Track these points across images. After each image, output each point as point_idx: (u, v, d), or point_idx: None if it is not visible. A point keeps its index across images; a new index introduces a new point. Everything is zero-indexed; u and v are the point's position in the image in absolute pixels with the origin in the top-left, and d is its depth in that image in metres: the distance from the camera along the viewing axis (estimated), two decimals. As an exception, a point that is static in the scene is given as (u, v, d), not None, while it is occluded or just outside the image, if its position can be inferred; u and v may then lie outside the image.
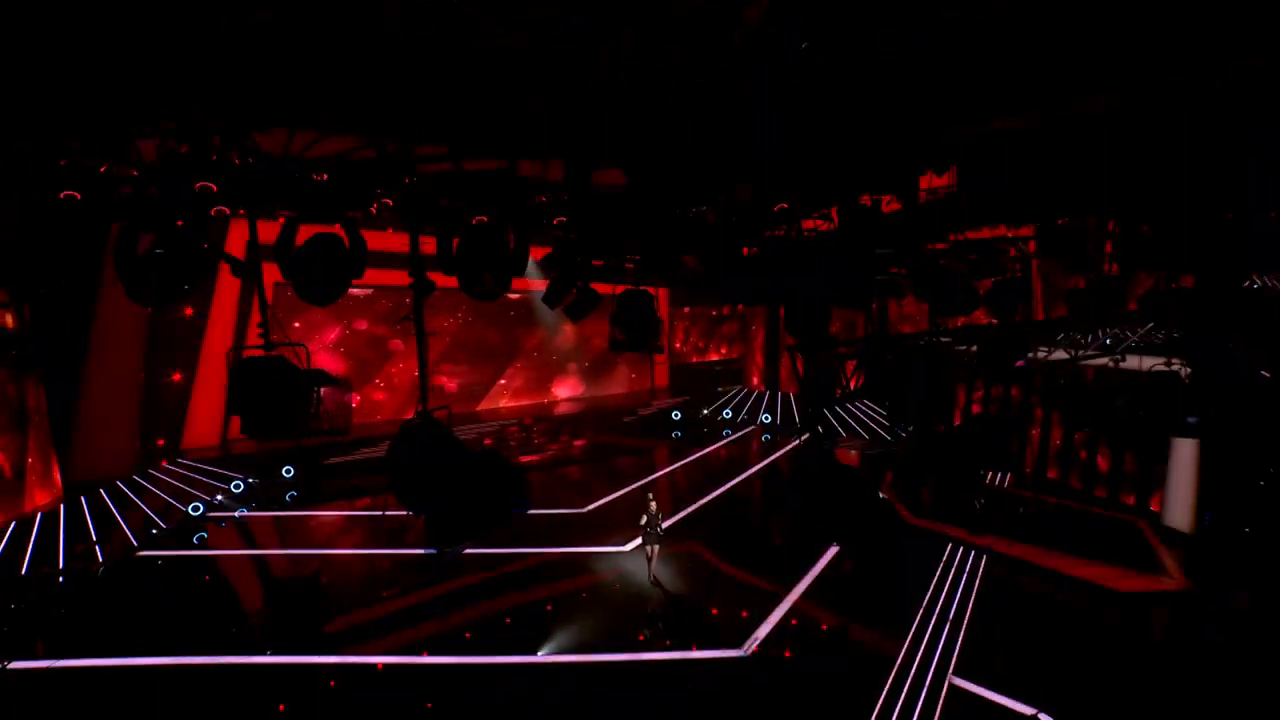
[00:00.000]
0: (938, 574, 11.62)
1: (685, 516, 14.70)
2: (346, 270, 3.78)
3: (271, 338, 3.97)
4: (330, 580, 11.79)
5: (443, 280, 3.70)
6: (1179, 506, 12.95)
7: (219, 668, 8.99)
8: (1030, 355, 5.26)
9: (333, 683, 8.69)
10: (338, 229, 3.62)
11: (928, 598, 10.80)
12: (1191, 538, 12.52)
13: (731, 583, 11.58)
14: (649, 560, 11.49)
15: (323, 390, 3.69)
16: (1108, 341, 5.86)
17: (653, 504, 11.53)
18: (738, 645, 9.50)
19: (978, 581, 11.36)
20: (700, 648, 9.45)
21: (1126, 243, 8.54)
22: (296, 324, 19.75)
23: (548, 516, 15.13)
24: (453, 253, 3.48)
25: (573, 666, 8.99)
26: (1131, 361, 5.67)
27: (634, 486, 16.52)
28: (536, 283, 19.01)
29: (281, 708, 8.25)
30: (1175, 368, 5.44)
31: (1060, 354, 5.34)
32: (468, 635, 9.75)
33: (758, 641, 9.61)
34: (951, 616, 10.22)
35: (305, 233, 4.15)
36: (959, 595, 10.89)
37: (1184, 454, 12.88)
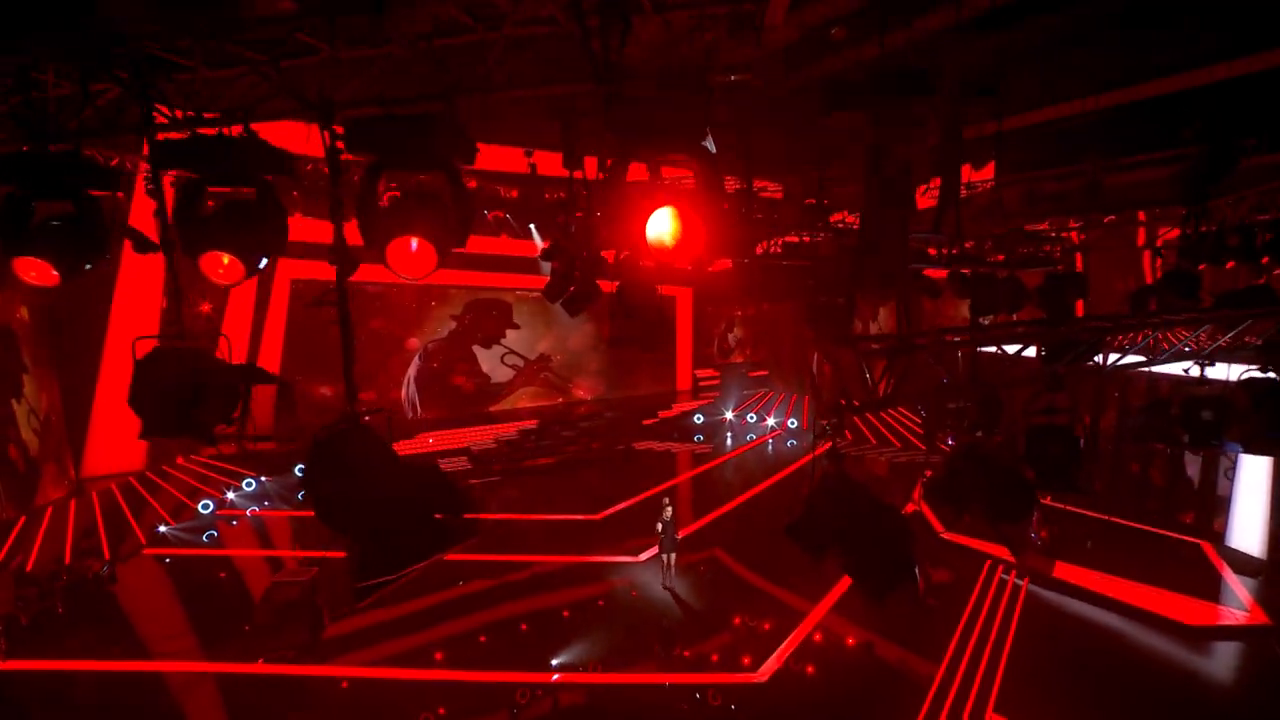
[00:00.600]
0: (975, 594, 10.72)
1: (707, 523, 14.05)
2: (262, 243, 3.20)
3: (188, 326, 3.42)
4: (339, 582, 11.44)
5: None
6: (1248, 528, 11.79)
7: (219, 674, 8.68)
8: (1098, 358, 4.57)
9: (345, 684, 8.34)
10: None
11: (964, 620, 9.92)
12: (1265, 564, 11.34)
13: (753, 593, 10.88)
14: (665, 569, 10.86)
15: (252, 390, 3.15)
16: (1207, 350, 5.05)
17: (668, 510, 10.92)
18: (758, 663, 8.84)
19: (1019, 605, 10.43)
20: (716, 665, 8.82)
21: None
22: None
23: (561, 523, 14.62)
24: (374, 217, 2.87)
25: (582, 686, 8.45)
26: (1215, 367, 4.91)
27: (652, 492, 15.85)
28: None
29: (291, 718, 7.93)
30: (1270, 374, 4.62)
31: (1133, 358, 4.61)
32: (482, 639, 9.36)
33: (779, 659, 8.94)
34: (991, 644, 9.34)
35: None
36: (999, 620, 9.98)
37: (1254, 469, 11.72)
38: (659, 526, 10.77)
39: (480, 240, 19.11)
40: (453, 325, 21.30)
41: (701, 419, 23.46)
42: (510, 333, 22.28)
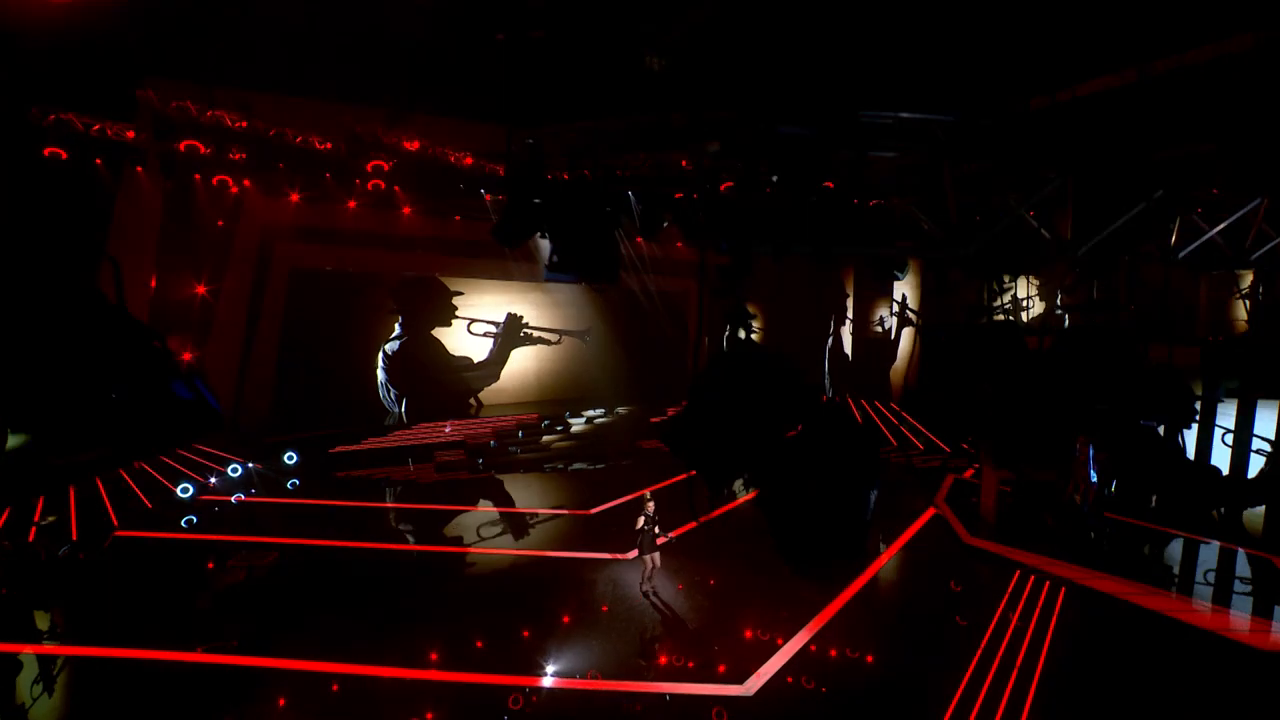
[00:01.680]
0: (1001, 607, 9.42)
1: (706, 522, 12.99)
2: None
3: None
4: (329, 577, 10.79)
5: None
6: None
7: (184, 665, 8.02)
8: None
9: (335, 686, 7.64)
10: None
11: (988, 636, 8.66)
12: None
13: (754, 597, 9.78)
14: (645, 572, 9.82)
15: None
16: None
17: (650, 505, 9.93)
18: (757, 674, 7.81)
19: (1053, 620, 9.09)
20: (709, 676, 7.79)
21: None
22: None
23: (549, 518, 13.80)
24: None
25: (575, 691, 7.54)
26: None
27: (650, 489, 14.91)
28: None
29: None
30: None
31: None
32: (479, 644, 8.58)
33: (782, 671, 7.87)
34: (1019, 663, 8.07)
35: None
36: (1029, 636, 8.68)
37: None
38: (640, 521, 9.76)
39: (482, 227, 18.39)
40: (398, 320, 19.79)
41: (713, 418, 22.39)
42: (488, 302, 20.70)
